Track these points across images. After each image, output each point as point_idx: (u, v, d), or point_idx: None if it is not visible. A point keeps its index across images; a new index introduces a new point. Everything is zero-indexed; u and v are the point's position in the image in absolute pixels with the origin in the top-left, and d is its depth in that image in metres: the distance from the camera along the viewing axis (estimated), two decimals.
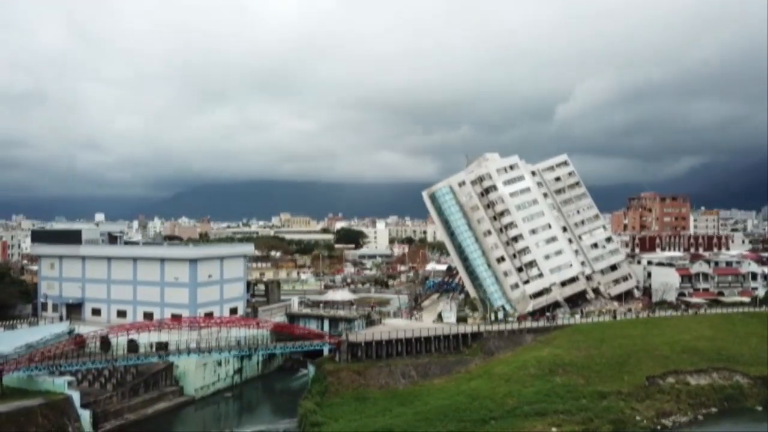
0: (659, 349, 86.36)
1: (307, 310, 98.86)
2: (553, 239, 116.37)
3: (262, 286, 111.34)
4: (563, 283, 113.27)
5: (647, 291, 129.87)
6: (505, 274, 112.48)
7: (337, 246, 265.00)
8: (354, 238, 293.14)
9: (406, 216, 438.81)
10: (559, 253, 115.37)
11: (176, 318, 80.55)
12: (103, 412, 67.22)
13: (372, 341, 79.49)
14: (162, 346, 76.01)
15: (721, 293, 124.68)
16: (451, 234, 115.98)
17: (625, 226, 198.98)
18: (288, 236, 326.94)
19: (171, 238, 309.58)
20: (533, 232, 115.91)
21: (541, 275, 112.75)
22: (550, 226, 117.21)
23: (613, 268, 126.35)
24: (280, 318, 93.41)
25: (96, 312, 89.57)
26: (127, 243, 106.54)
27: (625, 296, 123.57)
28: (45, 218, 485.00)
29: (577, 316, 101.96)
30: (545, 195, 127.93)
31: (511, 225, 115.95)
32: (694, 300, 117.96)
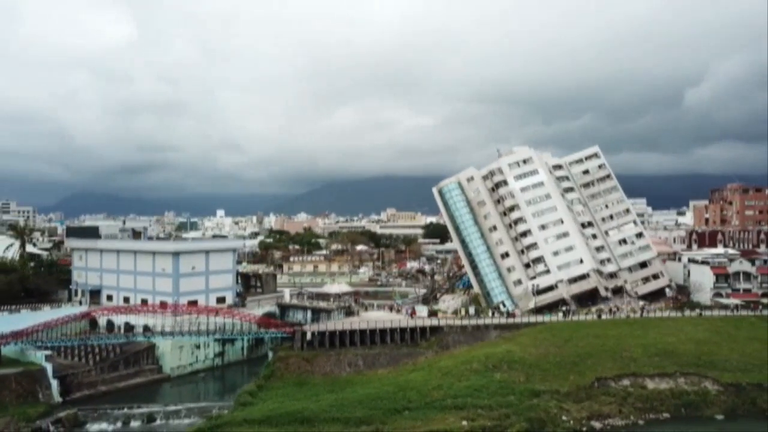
0: (630, 350, 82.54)
1: (294, 301, 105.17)
2: (565, 235, 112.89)
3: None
4: (571, 281, 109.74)
5: (685, 291, 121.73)
6: (509, 270, 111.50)
7: (420, 241, 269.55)
8: (440, 233, 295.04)
9: None
10: (570, 249, 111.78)
11: (163, 305, 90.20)
12: (76, 382, 77.87)
13: (325, 331, 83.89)
14: (147, 329, 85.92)
15: (766, 294, 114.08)
16: (457, 229, 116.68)
17: (707, 221, 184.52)
18: (388, 231, 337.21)
19: (281, 233, 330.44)
20: (543, 227, 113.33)
21: (548, 272, 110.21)
22: (562, 222, 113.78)
23: (643, 265, 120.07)
24: (269, 308, 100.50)
25: (109, 298, 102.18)
26: (150, 239, 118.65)
27: (656, 296, 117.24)
28: (196, 214, 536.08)
29: (560, 315, 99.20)
30: (570, 189, 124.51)
31: (520, 220, 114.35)
32: (727, 301, 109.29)
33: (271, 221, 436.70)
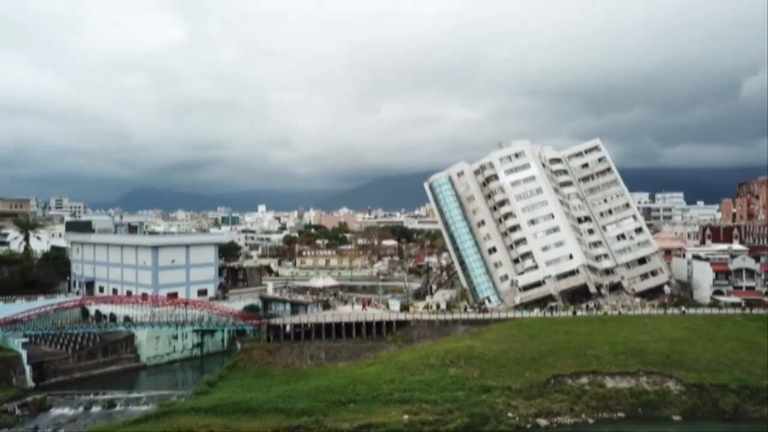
0: (597, 348, 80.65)
1: (276, 295, 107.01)
2: (555, 230, 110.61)
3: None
4: (560, 276, 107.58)
5: (688, 288, 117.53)
6: (496, 265, 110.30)
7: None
8: None
9: None
10: (560, 244, 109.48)
11: (144, 296, 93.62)
12: (52, 369, 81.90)
13: (290, 324, 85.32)
14: (127, 319, 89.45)
15: None
16: (446, 224, 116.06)
17: (734, 215, 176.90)
18: (426, 226, 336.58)
19: (317, 227, 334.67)
20: (532, 222, 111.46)
21: (536, 267, 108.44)
22: (553, 216, 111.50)
23: (642, 261, 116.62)
24: (252, 300, 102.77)
25: (101, 289, 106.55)
26: (150, 233, 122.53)
27: (654, 293, 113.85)
28: (249, 209, 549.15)
29: (535, 311, 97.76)
30: (568, 183, 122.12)
31: (510, 215, 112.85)
32: (725, 299, 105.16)
33: (311, 216, 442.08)
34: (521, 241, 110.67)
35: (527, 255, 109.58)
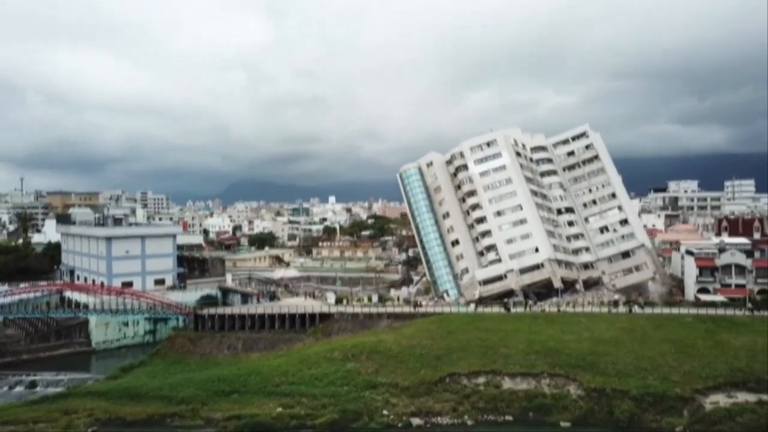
0: (511, 346, 76.69)
1: (232, 285, 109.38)
2: (522, 222, 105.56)
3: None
4: (523, 271, 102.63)
5: (681, 284, 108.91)
6: (458, 257, 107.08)
7: None
8: None
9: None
10: (526, 237, 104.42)
11: (96, 285, 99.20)
12: (2, 350, 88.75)
13: (215, 314, 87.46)
14: (84, 306, 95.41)
15: (765, 291, 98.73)
16: (413, 215, 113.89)
17: None
18: None
19: (377, 218, 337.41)
20: (499, 213, 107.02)
21: (499, 260, 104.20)
22: (521, 208, 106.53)
23: (626, 255, 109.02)
24: (209, 290, 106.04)
25: (78, 277, 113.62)
26: (131, 224, 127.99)
27: (637, 289, 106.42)
28: (344, 199, 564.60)
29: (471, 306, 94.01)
30: (551, 172, 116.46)
31: (476, 206, 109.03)
32: (708, 298, 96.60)
33: (378, 207, 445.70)
34: (487, 233, 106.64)
35: (491, 248, 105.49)
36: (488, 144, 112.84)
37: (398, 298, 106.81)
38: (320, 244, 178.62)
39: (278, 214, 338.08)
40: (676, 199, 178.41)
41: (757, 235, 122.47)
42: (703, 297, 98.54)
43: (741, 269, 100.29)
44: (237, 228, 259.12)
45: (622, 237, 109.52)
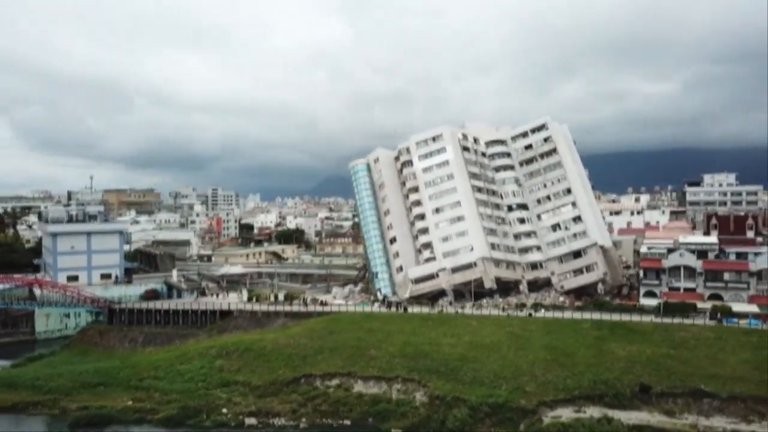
0: (383, 348, 74.16)
1: (176, 281, 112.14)
2: (459, 219, 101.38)
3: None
4: (455, 270, 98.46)
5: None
6: (394, 255, 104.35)
7: None
8: None
9: None
10: (462, 234, 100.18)
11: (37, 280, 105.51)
12: None
13: (125, 309, 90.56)
14: (33, 298, 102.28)
15: (716, 296, 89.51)
16: (359, 212, 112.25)
17: None
18: None
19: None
20: (437, 210, 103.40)
21: (434, 258, 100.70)
22: (459, 204, 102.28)
23: (577, 255, 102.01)
24: (154, 285, 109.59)
25: (46, 271, 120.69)
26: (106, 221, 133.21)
27: (586, 290, 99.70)
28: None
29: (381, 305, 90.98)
30: (507, 167, 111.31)
31: (417, 203, 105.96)
32: (647, 302, 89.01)
33: None
34: (425, 230, 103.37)
35: (428, 245, 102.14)
36: (434, 139, 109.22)
37: (335, 297, 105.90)
38: (324, 240, 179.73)
39: (331, 210, 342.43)
40: (683, 194, 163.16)
41: (750, 234, 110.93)
42: (647, 302, 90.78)
43: (691, 272, 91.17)
44: (278, 225, 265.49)
45: (574, 235, 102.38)
